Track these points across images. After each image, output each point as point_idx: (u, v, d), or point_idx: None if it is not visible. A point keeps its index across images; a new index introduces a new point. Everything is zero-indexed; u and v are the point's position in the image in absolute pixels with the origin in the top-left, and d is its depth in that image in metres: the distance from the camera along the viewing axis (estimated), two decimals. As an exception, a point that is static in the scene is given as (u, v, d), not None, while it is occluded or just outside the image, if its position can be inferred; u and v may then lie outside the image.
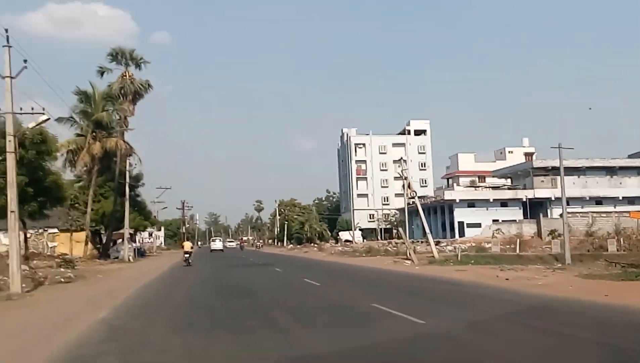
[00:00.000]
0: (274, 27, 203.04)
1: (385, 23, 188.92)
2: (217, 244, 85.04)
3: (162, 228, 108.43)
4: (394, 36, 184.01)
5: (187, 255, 38.85)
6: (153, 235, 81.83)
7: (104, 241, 53.16)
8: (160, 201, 77.61)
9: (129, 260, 46.93)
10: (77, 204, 48.90)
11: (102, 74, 52.07)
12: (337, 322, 12.01)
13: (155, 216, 73.03)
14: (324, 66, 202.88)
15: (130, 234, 53.65)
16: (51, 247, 54.62)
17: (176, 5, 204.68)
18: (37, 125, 22.15)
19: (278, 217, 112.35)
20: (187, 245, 42.06)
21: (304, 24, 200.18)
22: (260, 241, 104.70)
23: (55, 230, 53.99)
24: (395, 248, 52.20)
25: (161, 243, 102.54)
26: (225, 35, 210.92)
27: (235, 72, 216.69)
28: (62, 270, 32.13)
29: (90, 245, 53.55)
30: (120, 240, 54.57)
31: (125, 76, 52.57)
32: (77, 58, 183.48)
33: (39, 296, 19.58)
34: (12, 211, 20.86)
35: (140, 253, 58.11)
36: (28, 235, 56.13)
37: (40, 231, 55.41)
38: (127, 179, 48.51)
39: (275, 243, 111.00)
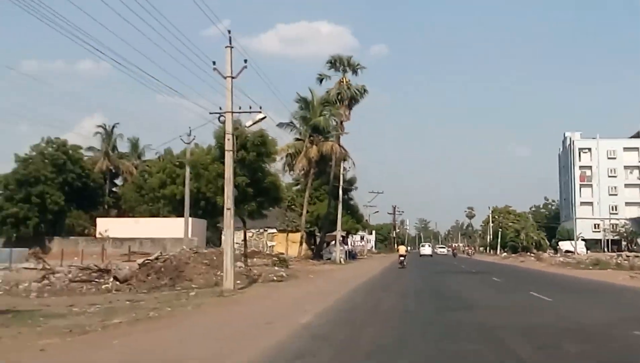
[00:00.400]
0: (482, 29, 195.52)
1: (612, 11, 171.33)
2: (426, 249, 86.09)
3: (374, 232, 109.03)
4: (622, 26, 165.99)
5: (402, 258, 41.83)
6: (364, 238, 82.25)
7: (317, 242, 54.01)
8: (372, 205, 77.78)
9: (340, 261, 46.79)
10: (293, 206, 50.27)
11: (320, 81, 53.12)
12: (595, 354, 9.10)
13: (366, 220, 73.31)
14: (546, 63, 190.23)
15: (342, 236, 53.80)
16: (270, 246, 56.95)
17: (393, 20, 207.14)
18: (253, 123, 22.11)
19: (491, 224, 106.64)
20: (402, 249, 45.03)
21: (508, 15, 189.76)
22: (472, 248, 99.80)
23: (274, 230, 56.24)
24: (626, 261, 45.51)
25: (372, 246, 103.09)
26: (438, 44, 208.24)
27: (446, 80, 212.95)
28: (276, 268, 32.45)
29: (304, 246, 54.78)
30: (333, 242, 54.95)
31: (343, 82, 52.93)
32: (301, 72, 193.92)
33: (249, 294, 19.18)
34: (228, 209, 20.87)
35: (351, 255, 58.11)
36: (250, 234, 59.41)
37: (261, 230, 58.14)
38: (341, 183, 48.54)
39: (487, 251, 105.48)
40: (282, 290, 21.16)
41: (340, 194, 48.43)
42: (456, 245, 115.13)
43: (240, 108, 21.34)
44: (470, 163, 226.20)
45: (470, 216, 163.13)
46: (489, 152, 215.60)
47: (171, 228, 56.48)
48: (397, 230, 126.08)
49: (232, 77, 20.40)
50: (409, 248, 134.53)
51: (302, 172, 49.00)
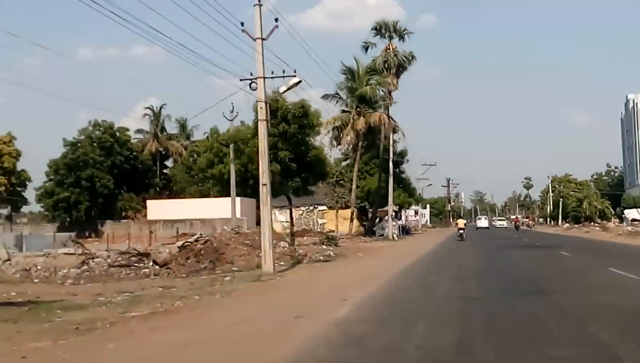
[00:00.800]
0: None
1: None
2: (482, 222, 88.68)
3: (428, 206, 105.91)
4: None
5: (461, 231, 43.28)
6: (418, 212, 79.31)
7: (369, 218, 51.73)
8: (424, 178, 74.70)
9: (392, 237, 44.43)
10: (342, 181, 47.99)
11: (366, 49, 50.37)
12: None
13: (420, 194, 70.28)
14: (601, 24, 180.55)
15: (394, 211, 51.31)
16: (320, 224, 55.08)
17: None
18: (288, 89, 19.92)
19: (551, 194, 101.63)
20: (461, 222, 46.82)
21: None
22: (532, 219, 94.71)
23: (324, 207, 54.16)
24: None
25: (426, 221, 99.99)
26: (489, 12, 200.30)
27: (499, 48, 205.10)
28: (324, 247, 30.47)
29: (355, 222, 52.60)
30: (386, 217, 52.49)
31: (389, 48, 50.00)
32: (348, 47, 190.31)
33: (287, 278, 17.20)
34: (263, 184, 18.88)
35: (404, 230, 55.65)
36: (299, 212, 57.69)
37: (311, 208, 56.26)
38: (391, 155, 45.88)
39: (548, 222, 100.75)
40: (325, 272, 19.09)
41: (391, 167, 45.81)
42: (517, 216, 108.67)
43: (272, 73, 19.14)
44: (526, 131, 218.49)
45: (528, 187, 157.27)
46: (545, 119, 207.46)
47: (221, 208, 55.28)
48: (452, 203, 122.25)
49: (263, 39, 18.22)
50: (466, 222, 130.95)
51: (350, 146, 46.55)
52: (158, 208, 56.32)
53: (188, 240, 24.93)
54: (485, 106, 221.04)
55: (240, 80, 18.99)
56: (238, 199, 57.09)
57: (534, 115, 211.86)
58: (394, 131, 48.06)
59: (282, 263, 22.47)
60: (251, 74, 18.85)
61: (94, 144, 53.98)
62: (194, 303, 12.53)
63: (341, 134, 45.05)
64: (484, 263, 21.86)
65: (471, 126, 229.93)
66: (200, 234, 25.47)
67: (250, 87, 18.65)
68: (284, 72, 19.44)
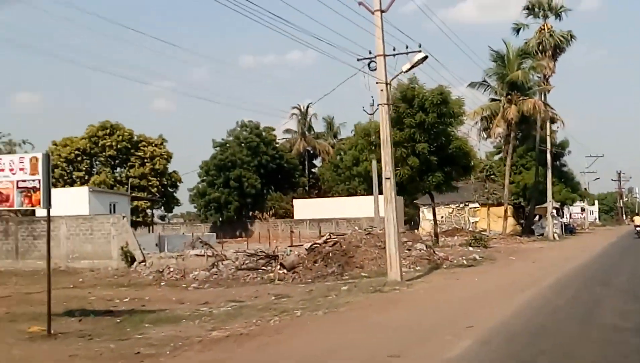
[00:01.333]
0: None
1: None
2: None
3: (596, 202, 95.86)
4: None
5: (638, 228, 41.22)
6: (585, 209, 71.29)
7: (526, 216, 46.76)
8: (591, 171, 67.04)
9: (553, 237, 39.43)
10: (493, 176, 43.65)
11: (517, 31, 45.35)
12: None
13: (585, 189, 62.88)
14: None
15: (555, 208, 45.91)
16: (472, 222, 50.92)
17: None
18: (412, 67, 17.04)
19: None
20: (638, 219, 43.67)
21: None
22: None
23: (476, 205, 49.87)
24: None
25: (595, 218, 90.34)
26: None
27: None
28: (470, 249, 27.11)
29: (511, 220, 47.84)
30: (546, 215, 47.18)
31: (544, 29, 44.65)
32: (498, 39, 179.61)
33: (413, 289, 14.41)
34: (387, 178, 16.30)
35: (568, 229, 49.68)
36: (449, 210, 53.85)
37: (461, 205, 52.23)
38: (549, 146, 40.80)
39: None
40: (462, 281, 16.00)
41: (549, 159, 40.73)
42: None
43: (394, 49, 16.40)
44: None
45: None
46: None
47: (367, 207, 53.37)
48: (625, 199, 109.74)
49: (382, 11, 15.65)
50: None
51: (501, 137, 42.12)
52: (304, 207, 55.77)
53: (317, 242, 23.00)
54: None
55: (358, 60, 16.52)
56: (382, 197, 54.81)
57: None
58: (552, 121, 42.73)
59: (419, 268, 19.77)
60: (370, 53, 16.35)
61: (242, 144, 54.63)
62: (289, 321, 10.49)
63: (490, 125, 40.87)
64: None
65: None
66: (330, 234, 23.41)
67: (370, 67, 16.12)
68: (407, 47, 16.64)
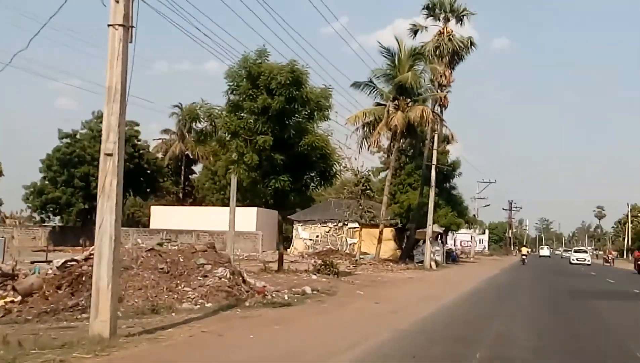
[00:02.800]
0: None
1: None
2: (545, 251, 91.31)
3: (486, 231, 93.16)
4: None
5: (524, 257, 50.97)
6: (473, 237, 66.80)
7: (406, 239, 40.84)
8: (482, 197, 62.99)
9: (430, 266, 33.38)
10: (368, 191, 37.31)
11: (415, 33, 39.73)
12: None
13: (474, 215, 58.17)
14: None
15: (439, 233, 40.26)
16: (350, 244, 44.54)
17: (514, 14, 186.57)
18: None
19: (630, 224, 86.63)
20: (525, 250, 55.13)
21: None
22: (610, 253, 78.15)
23: (356, 224, 43.33)
24: None
25: (484, 247, 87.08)
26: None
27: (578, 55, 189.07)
28: (315, 277, 20.15)
29: (391, 244, 41.90)
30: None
31: (443, 32, 39.25)
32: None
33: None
34: (107, 154, 8.82)
35: (451, 257, 44.28)
36: (325, 229, 47.23)
37: (340, 224, 45.74)
38: (434, 160, 34.92)
39: (625, 256, 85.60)
40: (227, 341, 8.79)
41: (433, 176, 34.87)
42: (610, 249, 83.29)
43: None
44: (599, 154, 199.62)
45: (600, 217, 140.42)
46: (621, 141, 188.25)
47: (240, 220, 45.96)
48: (515, 230, 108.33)
49: None
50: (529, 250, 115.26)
51: (383, 150, 35.91)
52: (162, 215, 47.40)
53: (75, 258, 15.16)
54: (553, 123, 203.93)
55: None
56: (253, 209, 47.53)
57: (609, 136, 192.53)
58: (447, 141, 37.06)
59: (209, 304, 12.73)
60: None
61: (96, 138, 45.39)
62: None
63: (373, 133, 34.56)
64: (551, 337, 10.63)
65: (539, 146, 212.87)
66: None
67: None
68: None
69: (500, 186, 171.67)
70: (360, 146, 35.10)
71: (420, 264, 34.95)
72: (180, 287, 14.07)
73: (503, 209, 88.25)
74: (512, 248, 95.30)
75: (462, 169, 46.44)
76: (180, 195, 60.54)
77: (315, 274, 20.70)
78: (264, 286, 15.55)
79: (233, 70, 20.54)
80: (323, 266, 21.42)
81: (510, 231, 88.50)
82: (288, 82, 19.76)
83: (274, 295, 14.87)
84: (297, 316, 11.99)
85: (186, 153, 60.44)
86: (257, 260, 33.55)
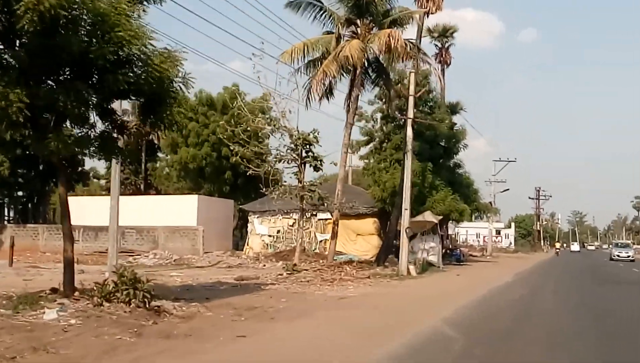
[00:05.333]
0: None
1: None
2: (575, 246, 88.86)
3: (513, 225, 79.69)
4: None
5: (557, 250, 61.06)
6: (491, 231, 52.99)
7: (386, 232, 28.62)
8: (499, 180, 50.08)
9: (408, 272, 20.89)
10: (319, 164, 25.03)
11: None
12: None
13: (491, 203, 44.57)
14: None
15: (435, 224, 27.71)
16: (320, 241, 32.60)
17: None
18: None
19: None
20: (557, 244, 67.78)
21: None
22: None
23: (327, 216, 31.09)
24: None
25: (510, 243, 73.31)
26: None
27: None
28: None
29: (376, 240, 30.59)
30: (430, 234, 28.73)
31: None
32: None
33: None
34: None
35: (454, 257, 31.89)
36: (291, 222, 35.46)
37: (308, 215, 33.62)
38: (410, 114, 22.09)
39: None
40: None
41: (409, 134, 22.12)
42: None
43: None
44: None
45: (639, 208, 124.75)
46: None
47: (180, 211, 34.66)
48: (545, 223, 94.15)
49: None
50: (564, 245, 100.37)
51: (322, 92, 23.26)
52: (84, 208, 35.93)
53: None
54: (588, 116, 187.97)
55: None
56: (197, 198, 36.08)
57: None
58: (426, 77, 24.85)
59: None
60: None
61: None
62: None
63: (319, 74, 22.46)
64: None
65: (570, 136, 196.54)
66: None
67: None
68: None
69: (524, 176, 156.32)
70: (308, 98, 23.12)
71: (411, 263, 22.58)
72: None
73: (529, 198, 74.73)
74: (543, 243, 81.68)
75: (483, 158, 34.01)
76: (141, 186, 49.22)
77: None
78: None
79: None
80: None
81: (538, 223, 74.66)
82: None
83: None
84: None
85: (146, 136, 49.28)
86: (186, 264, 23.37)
